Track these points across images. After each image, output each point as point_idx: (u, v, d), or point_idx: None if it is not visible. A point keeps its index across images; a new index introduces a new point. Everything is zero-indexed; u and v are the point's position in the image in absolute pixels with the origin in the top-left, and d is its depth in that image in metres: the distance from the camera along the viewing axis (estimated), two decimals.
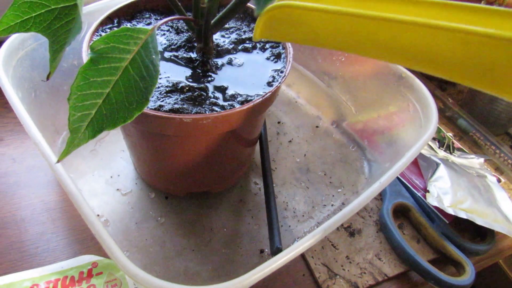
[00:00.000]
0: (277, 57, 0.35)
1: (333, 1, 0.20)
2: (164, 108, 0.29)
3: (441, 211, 0.42)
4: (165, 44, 0.35)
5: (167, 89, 0.30)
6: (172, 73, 0.32)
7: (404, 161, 0.33)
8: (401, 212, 0.44)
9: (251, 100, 0.30)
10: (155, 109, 0.28)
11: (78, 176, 0.41)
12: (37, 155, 0.44)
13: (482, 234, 0.44)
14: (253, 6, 0.38)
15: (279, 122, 0.51)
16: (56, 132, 0.42)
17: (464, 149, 0.53)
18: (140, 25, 0.36)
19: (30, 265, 0.35)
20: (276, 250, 0.33)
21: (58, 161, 0.23)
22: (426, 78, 0.63)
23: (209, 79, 0.32)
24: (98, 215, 0.38)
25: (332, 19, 0.20)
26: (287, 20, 0.22)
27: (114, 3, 0.39)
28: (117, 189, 0.41)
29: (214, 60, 0.34)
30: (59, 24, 0.27)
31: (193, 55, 0.34)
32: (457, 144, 0.54)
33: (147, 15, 0.38)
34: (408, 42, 0.18)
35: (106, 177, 0.42)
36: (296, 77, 0.55)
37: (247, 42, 0.36)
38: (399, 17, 0.18)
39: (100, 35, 0.34)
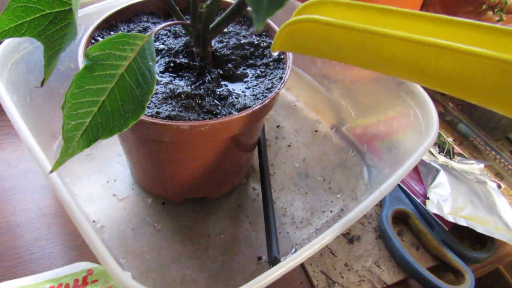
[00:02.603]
0: (277, 62, 0.35)
1: (362, 18, 0.20)
2: (161, 115, 0.28)
3: (441, 218, 0.42)
4: (162, 49, 0.34)
5: (164, 96, 0.30)
6: (169, 79, 0.32)
7: (405, 168, 0.33)
8: (400, 218, 0.44)
9: (249, 106, 0.30)
10: (152, 115, 0.28)
11: (73, 180, 0.41)
12: (32, 160, 0.43)
13: (482, 241, 0.43)
14: None
15: (278, 126, 0.51)
16: (52, 136, 0.42)
17: (464, 155, 0.53)
18: (137, 29, 0.35)
19: (24, 272, 0.35)
20: (274, 260, 0.32)
21: (51, 171, 0.22)
22: None
23: (207, 85, 0.31)
24: (94, 221, 0.38)
25: (359, 37, 0.19)
26: (309, 34, 0.21)
27: (111, 5, 0.39)
28: (114, 194, 0.40)
29: (213, 65, 0.33)
30: (54, 29, 0.26)
31: (191, 60, 0.33)
32: (457, 149, 0.53)
33: (145, 19, 0.37)
34: (441, 66, 0.17)
35: (102, 182, 0.41)
36: (295, 80, 0.55)
37: (246, 47, 0.35)
38: (432, 41, 0.17)
39: (97, 39, 0.33)
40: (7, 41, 0.35)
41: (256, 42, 0.36)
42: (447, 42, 0.17)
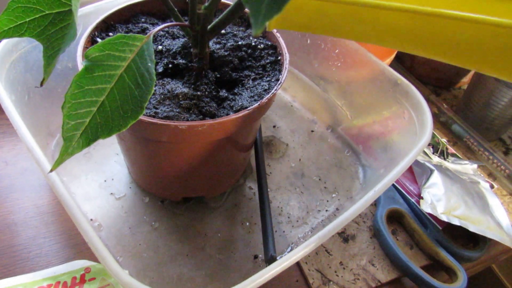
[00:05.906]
0: (274, 63, 0.35)
1: None
2: (159, 115, 0.28)
3: (435, 218, 0.43)
4: (160, 50, 0.34)
5: (162, 96, 0.30)
6: (168, 80, 0.32)
7: (399, 169, 0.34)
8: (395, 218, 0.45)
9: (246, 107, 0.30)
10: (150, 115, 0.28)
11: (71, 179, 0.41)
12: (30, 158, 0.43)
13: (474, 240, 0.44)
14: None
15: (274, 126, 0.51)
16: (49, 134, 0.42)
17: (458, 155, 0.54)
18: (136, 30, 0.36)
19: (21, 270, 0.35)
20: (270, 259, 0.32)
21: (51, 170, 0.23)
22: (421, 83, 0.63)
23: (205, 86, 0.32)
24: (91, 220, 0.38)
25: (352, 10, 0.19)
26: (303, 10, 0.21)
27: (109, 5, 0.39)
28: (111, 193, 0.41)
29: (210, 66, 0.34)
30: (53, 30, 0.26)
31: (189, 61, 0.33)
32: (451, 149, 0.54)
33: (143, 19, 0.37)
34: (435, 34, 0.17)
35: (100, 181, 0.41)
36: (292, 81, 0.55)
37: (244, 48, 0.36)
38: (425, 9, 0.17)
39: (95, 40, 0.33)
40: (6, 40, 0.35)
41: (253, 44, 0.36)
42: (438, 10, 0.17)
